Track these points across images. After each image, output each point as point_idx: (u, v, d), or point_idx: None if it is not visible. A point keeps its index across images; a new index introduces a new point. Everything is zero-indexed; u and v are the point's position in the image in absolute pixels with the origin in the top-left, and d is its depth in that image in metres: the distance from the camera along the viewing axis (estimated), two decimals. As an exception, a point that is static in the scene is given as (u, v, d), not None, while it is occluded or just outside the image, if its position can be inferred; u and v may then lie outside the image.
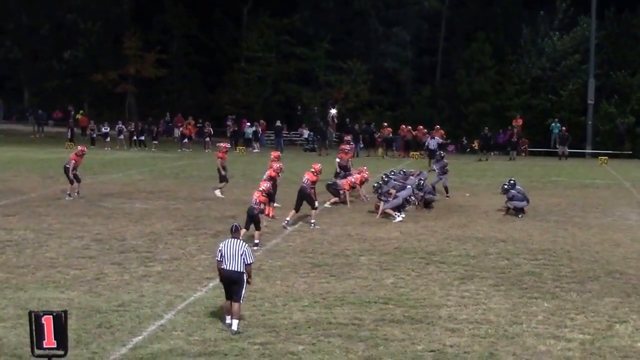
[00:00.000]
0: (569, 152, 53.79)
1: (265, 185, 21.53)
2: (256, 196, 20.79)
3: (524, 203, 26.25)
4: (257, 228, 20.40)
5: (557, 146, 54.19)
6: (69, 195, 28.83)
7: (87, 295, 15.54)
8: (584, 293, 16.19)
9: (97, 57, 75.49)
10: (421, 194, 27.44)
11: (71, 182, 29.13)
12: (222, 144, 31.27)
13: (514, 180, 26.93)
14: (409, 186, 26.79)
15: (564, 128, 54.23)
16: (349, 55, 68.19)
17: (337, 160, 31.92)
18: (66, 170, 29.23)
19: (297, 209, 23.74)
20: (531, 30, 63.28)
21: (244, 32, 73.18)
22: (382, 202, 25.53)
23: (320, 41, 69.88)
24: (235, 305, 13.42)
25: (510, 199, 26.24)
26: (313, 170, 24.59)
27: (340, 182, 28.88)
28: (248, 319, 13.99)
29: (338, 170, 31.23)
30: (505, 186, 26.53)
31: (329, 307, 14.91)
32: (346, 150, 32.59)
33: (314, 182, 24.41)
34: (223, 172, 29.78)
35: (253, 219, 20.32)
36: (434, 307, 14.99)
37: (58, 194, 29.81)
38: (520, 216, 25.69)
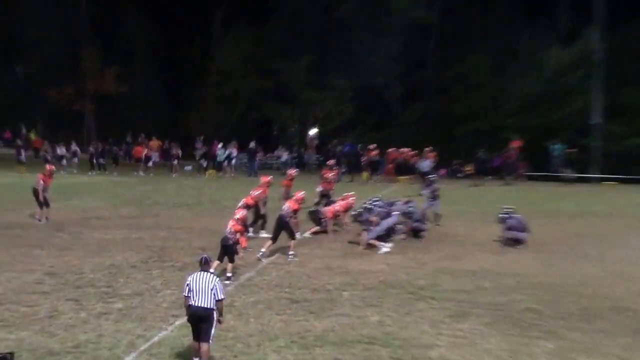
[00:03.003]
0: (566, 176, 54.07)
1: (241, 213, 21.48)
2: (231, 225, 20.76)
3: (525, 234, 26.26)
4: (231, 260, 20.37)
5: (562, 170, 54.20)
6: (39, 219, 29.58)
7: (39, 335, 15.41)
8: (591, 332, 16.20)
9: (52, 72, 75.28)
10: (410, 222, 27.49)
11: (40, 206, 29.87)
12: (266, 179, 28.92)
13: (511, 208, 27.00)
14: (394, 213, 26.78)
15: (569, 150, 54.26)
16: (331, 69, 68.24)
17: (319, 189, 31.90)
18: (36, 193, 29.94)
19: (274, 240, 23.65)
20: (531, 43, 63.58)
21: (215, 44, 73.24)
22: (364, 232, 25.54)
23: (300, 54, 69.98)
24: (204, 346, 13.35)
25: (508, 228, 26.27)
26: (295, 198, 24.51)
27: (323, 209, 28.88)
28: (218, 361, 13.93)
29: (317, 199, 31.22)
30: (502, 215, 26.58)
31: (307, 347, 14.86)
32: (329, 180, 32.53)
33: (295, 211, 24.37)
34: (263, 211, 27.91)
35: (227, 250, 20.29)
36: (423, 348, 14.95)
37: (6, 223, 29.64)
38: (518, 247, 25.70)
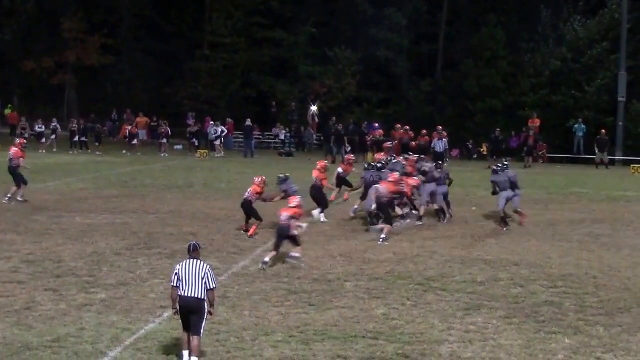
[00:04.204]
0: (590, 158, 53.97)
1: (296, 201, 22.00)
2: (288, 215, 21.22)
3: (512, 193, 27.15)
4: (297, 244, 21.14)
5: (597, 152, 53.83)
6: (9, 197, 30.23)
7: (14, 328, 15.41)
8: (613, 327, 16.21)
9: (28, 41, 74.99)
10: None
11: (18, 186, 30.51)
12: (323, 163, 30.12)
13: (507, 164, 28.44)
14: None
15: (603, 131, 54.08)
16: (334, 41, 68.13)
17: (339, 170, 31.68)
18: (14, 169, 30.63)
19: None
20: (551, 13, 63.40)
21: (207, 13, 73.03)
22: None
23: (301, 24, 69.81)
24: (195, 340, 13.39)
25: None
26: (392, 180, 25.61)
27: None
28: (210, 356, 13.93)
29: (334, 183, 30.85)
30: (495, 168, 28.17)
31: (307, 342, 14.87)
32: (351, 161, 32.26)
33: (395, 193, 25.46)
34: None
35: (290, 239, 20.95)
36: (433, 344, 14.97)
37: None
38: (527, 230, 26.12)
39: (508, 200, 27.05)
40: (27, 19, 75.27)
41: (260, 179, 25.54)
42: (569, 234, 26.48)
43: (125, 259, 21.51)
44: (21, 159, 30.69)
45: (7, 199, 30.13)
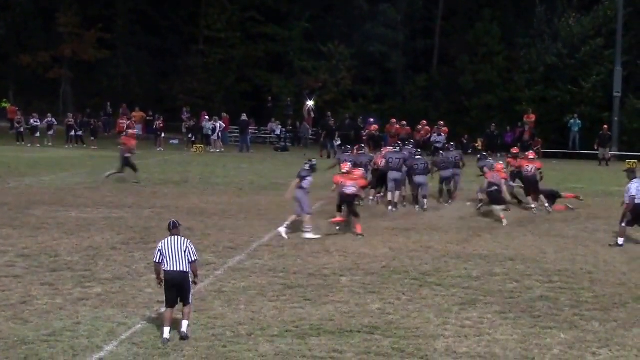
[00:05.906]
0: (585, 153, 53.97)
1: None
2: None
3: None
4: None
5: (597, 148, 53.82)
6: (136, 181, 35.32)
7: (10, 322, 15.39)
8: (608, 322, 16.21)
9: (24, 35, 74.86)
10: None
11: (134, 169, 35.82)
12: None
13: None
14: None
15: (605, 126, 54.08)
16: (328, 36, 68.12)
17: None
18: (126, 159, 35.35)
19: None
20: (546, 9, 63.39)
21: (203, 8, 72.99)
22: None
23: (295, 19, 69.77)
24: (186, 308, 14.39)
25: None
26: (498, 168, 29.16)
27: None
28: (206, 350, 13.91)
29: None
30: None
31: (302, 337, 14.85)
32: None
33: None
34: None
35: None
36: (428, 338, 14.96)
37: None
38: (528, 228, 26.05)
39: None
40: (22, 13, 75.19)
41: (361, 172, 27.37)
42: (564, 229, 26.54)
43: (121, 253, 21.51)
44: (124, 146, 35.37)
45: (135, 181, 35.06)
